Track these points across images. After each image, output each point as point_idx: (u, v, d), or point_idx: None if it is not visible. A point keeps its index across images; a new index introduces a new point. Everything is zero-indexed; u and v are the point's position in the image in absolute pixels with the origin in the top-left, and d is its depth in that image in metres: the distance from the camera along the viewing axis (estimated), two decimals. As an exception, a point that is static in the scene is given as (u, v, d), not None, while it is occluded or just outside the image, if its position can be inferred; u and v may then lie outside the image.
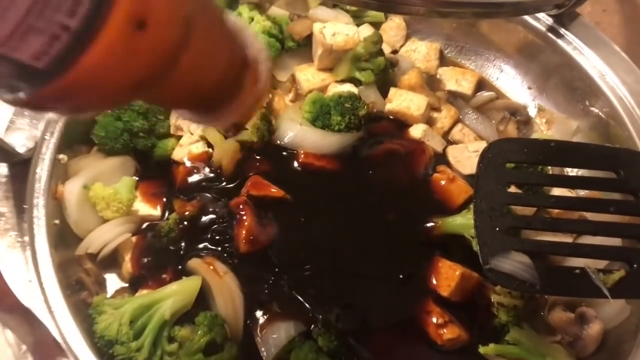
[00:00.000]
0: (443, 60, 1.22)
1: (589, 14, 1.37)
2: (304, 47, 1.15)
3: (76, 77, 0.33)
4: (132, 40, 0.34)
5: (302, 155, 1.01)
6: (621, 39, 1.32)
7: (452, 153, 1.07)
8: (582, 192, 0.99)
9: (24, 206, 0.86)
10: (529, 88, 1.18)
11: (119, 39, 0.33)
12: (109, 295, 0.91)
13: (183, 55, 0.40)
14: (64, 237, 0.91)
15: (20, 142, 0.88)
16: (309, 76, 1.13)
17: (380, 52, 1.10)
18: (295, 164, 1.01)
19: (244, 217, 0.91)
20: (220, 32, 0.49)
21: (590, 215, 0.92)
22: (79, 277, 0.89)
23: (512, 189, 0.92)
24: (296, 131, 1.01)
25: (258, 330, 0.86)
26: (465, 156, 1.06)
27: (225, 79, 0.51)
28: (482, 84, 1.20)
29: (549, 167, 0.96)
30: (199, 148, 1.01)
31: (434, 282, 0.92)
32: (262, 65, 0.54)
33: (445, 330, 0.88)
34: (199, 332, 0.83)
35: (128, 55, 0.35)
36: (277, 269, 0.91)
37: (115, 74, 0.36)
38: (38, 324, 0.72)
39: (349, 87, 1.10)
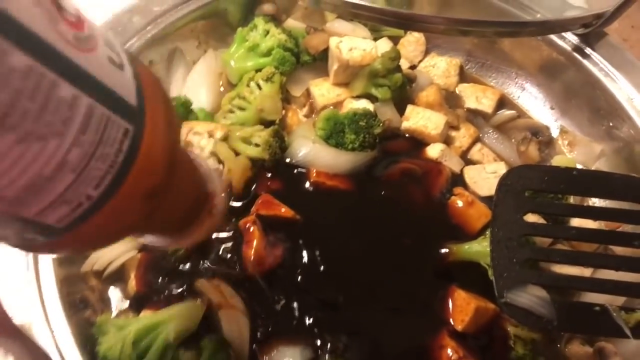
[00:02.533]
0: (463, 77, 1.19)
1: (616, 31, 1.33)
2: (319, 61, 1.13)
3: (85, 231, 0.40)
4: (133, 196, 0.42)
5: (314, 174, 0.98)
6: (650, 57, 1.28)
7: (469, 174, 1.04)
8: (605, 224, 0.95)
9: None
10: (552, 108, 1.14)
11: (125, 199, 0.41)
12: (113, 313, 0.89)
13: (166, 195, 0.47)
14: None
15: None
16: (324, 91, 1.11)
17: (398, 69, 1.07)
18: (307, 183, 0.98)
19: (252, 238, 0.88)
20: (191, 172, 0.58)
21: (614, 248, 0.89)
22: (83, 295, 0.87)
23: (532, 218, 0.88)
24: (308, 149, 0.99)
25: (264, 357, 0.83)
26: (483, 177, 1.03)
27: (191, 211, 0.60)
28: (503, 102, 1.17)
29: (571, 197, 0.92)
30: (210, 165, 0.99)
31: (449, 314, 0.88)
32: (219, 198, 0.63)
33: (460, 366, 0.84)
34: (204, 356, 0.81)
35: (128, 208, 0.42)
36: (285, 292, 0.88)
37: (116, 224, 0.43)
38: (37, 351, 0.71)
39: (364, 104, 1.08)
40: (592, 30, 1.01)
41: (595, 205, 0.97)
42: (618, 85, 1.00)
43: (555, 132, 1.12)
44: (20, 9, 0.30)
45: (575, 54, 1.04)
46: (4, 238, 0.40)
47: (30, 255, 0.82)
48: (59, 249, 0.43)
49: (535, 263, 0.83)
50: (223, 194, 0.64)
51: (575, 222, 0.93)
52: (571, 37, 1.05)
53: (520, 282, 0.76)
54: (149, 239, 0.62)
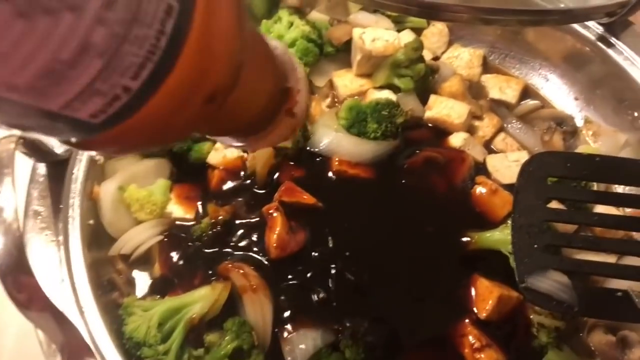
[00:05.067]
0: (486, 68, 1.19)
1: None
2: (342, 52, 1.14)
3: (129, 127, 0.34)
4: (185, 95, 0.35)
5: (336, 163, 0.99)
6: (677, 48, 1.26)
7: (491, 162, 1.04)
8: (629, 210, 0.94)
9: (60, 206, 0.87)
10: (576, 99, 1.13)
11: (173, 96, 0.34)
12: (139, 296, 0.91)
13: (231, 94, 0.40)
14: (97, 237, 0.91)
15: (58, 143, 0.89)
16: (346, 82, 1.12)
17: (421, 59, 1.08)
18: (329, 171, 0.99)
19: (275, 223, 0.90)
20: (266, 66, 0.49)
21: (636, 235, 0.88)
22: (110, 278, 0.90)
23: (554, 205, 0.88)
24: (331, 138, 1.00)
25: (285, 339, 0.84)
26: (505, 165, 1.03)
27: (266, 109, 0.52)
28: (526, 93, 1.16)
29: (594, 184, 0.92)
30: (234, 153, 1.00)
31: (472, 302, 0.89)
32: (301, 95, 0.54)
33: (482, 355, 0.84)
34: (227, 338, 0.83)
35: (180, 108, 0.36)
36: (307, 277, 0.89)
37: (166, 124, 0.37)
38: (68, 325, 0.73)
39: (387, 94, 1.08)
40: (617, 19, 1.00)
41: (619, 192, 0.96)
42: (644, 75, 0.99)
43: (579, 123, 1.12)
44: None
45: (600, 44, 1.04)
46: (46, 132, 0.35)
47: (62, 237, 0.85)
48: (104, 146, 0.37)
49: (557, 249, 0.83)
50: (304, 90, 0.55)
51: (599, 209, 0.93)
52: (595, 27, 1.04)
53: (541, 267, 0.76)
54: (226, 140, 0.56)
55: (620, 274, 0.77)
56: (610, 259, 0.89)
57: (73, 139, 0.36)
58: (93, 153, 0.81)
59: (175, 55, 0.33)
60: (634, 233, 0.88)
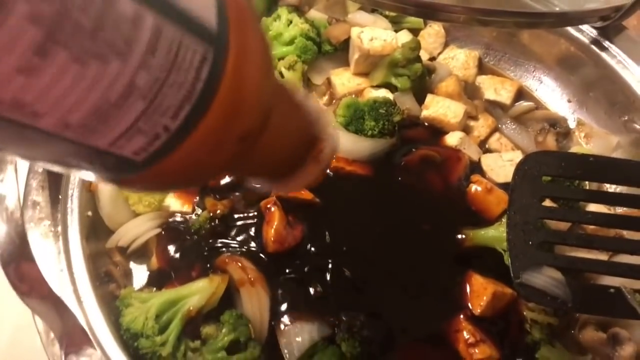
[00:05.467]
0: (482, 69, 1.21)
1: (634, 27, 1.33)
2: (341, 51, 1.15)
3: (168, 166, 0.37)
4: (219, 135, 0.38)
5: (334, 159, 1.00)
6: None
7: (486, 162, 1.05)
8: (620, 210, 0.96)
9: (59, 197, 0.87)
10: (569, 101, 1.15)
11: (208, 136, 0.37)
12: (136, 288, 0.92)
13: (262, 137, 0.44)
14: (95, 229, 0.92)
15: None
16: (344, 80, 1.13)
17: (418, 59, 1.09)
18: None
19: (273, 218, 0.91)
20: (293, 112, 0.52)
21: (627, 233, 0.90)
22: (108, 269, 0.90)
23: (548, 203, 0.90)
24: (329, 135, 1.01)
25: (282, 332, 0.85)
26: (499, 165, 1.05)
27: (295, 154, 0.54)
28: (521, 94, 1.18)
29: (587, 183, 0.94)
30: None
31: (467, 298, 0.90)
32: (327, 142, 0.56)
33: (476, 350, 0.85)
34: (224, 331, 0.83)
35: (214, 148, 0.39)
36: (304, 271, 0.90)
37: (200, 163, 0.40)
38: (67, 313, 0.74)
39: (384, 93, 1.10)
40: (611, 24, 1.02)
41: (611, 192, 0.97)
42: (636, 78, 1.01)
43: (572, 124, 1.14)
44: None
45: (594, 47, 1.06)
46: (90, 170, 0.38)
47: (60, 228, 0.85)
48: (145, 184, 0.40)
49: (551, 246, 0.84)
50: (331, 138, 0.57)
51: (592, 208, 0.95)
52: (589, 31, 1.06)
53: (536, 263, 0.77)
54: (256, 182, 0.59)
55: (613, 271, 0.79)
56: (603, 256, 0.91)
57: (116, 177, 0.39)
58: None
59: (210, 98, 0.36)
60: (625, 231, 0.89)
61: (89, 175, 0.39)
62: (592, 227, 0.92)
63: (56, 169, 0.37)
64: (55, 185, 0.87)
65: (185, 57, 0.33)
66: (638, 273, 0.77)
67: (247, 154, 0.44)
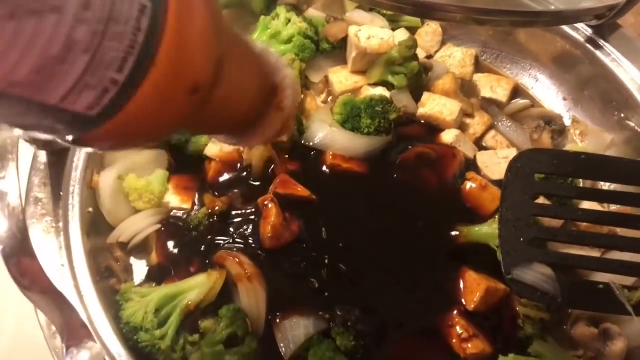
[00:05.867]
0: (478, 67, 1.22)
1: (632, 25, 1.34)
2: (338, 49, 1.17)
3: (120, 121, 0.38)
4: (168, 87, 0.39)
5: (330, 157, 1.02)
6: (665, 52, 1.29)
7: (481, 159, 1.07)
8: (613, 207, 0.97)
9: (60, 193, 0.89)
10: (564, 99, 1.16)
11: (158, 88, 0.38)
12: (136, 283, 0.93)
13: (216, 90, 0.44)
14: (96, 225, 0.94)
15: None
16: (341, 78, 1.15)
17: (414, 57, 1.10)
18: (323, 164, 1.02)
19: (270, 214, 0.92)
20: (250, 65, 0.53)
21: (620, 230, 0.91)
22: (108, 264, 0.92)
23: (540, 200, 0.91)
24: (325, 132, 1.02)
25: (278, 326, 0.87)
26: (494, 162, 1.06)
27: (255, 106, 0.55)
28: (517, 92, 1.19)
29: (580, 180, 0.95)
30: (231, 145, 1.03)
31: (460, 293, 0.92)
32: (288, 90, 0.58)
33: (469, 345, 0.87)
34: (221, 324, 0.85)
35: (165, 100, 0.40)
36: (300, 267, 0.92)
37: (155, 116, 0.41)
38: (68, 307, 0.75)
39: (381, 91, 1.11)
40: (605, 22, 1.03)
41: (603, 189, 0.99)
42: (630, 76, 1.02)
43: (567, 122, 1.15)
44: None
45: (588, 45, 1.07)
46: (47, 130, 0.39)
47: (61, 224, 0.87)
48: (102, 141, 0.41)
49: (543, 243, 0.86)
50: (291, 85, 0.58)
51: (586, 205, 0.96)
52: (584, 29, 1.07)
53: (527, 259, 0.79)
54: (220, 138, 0.60)
55: (603, 267, 0.80)
56: (595, 253, 0.92)
57: (71, 135, 0.40)
58: (90, 149, 0.83)
59: (154, 49, 0.37)
60: (617, 228, 0.91)
61: (54, 137, 0.40)
62: (585, 224, 0.94)
63: (21, 133, 0.39)
64: (56, 181, 0.89)
65: (122, 8, 0.34)
66: (628, 269, 0.79)
67: (204, 107, 0.44)
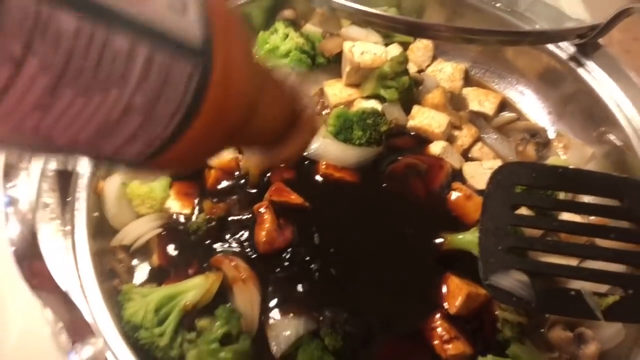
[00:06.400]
0: (468, 81, 1.27)
1: (619, 42, 1.39)
2: (333, 63, 1.22)
3: (163, 160, 0.44)
4: (209, 133, 0.45)
5: (323, 166, 1.07)
6: (651, 69, 1.34)
7: (467, 170, 1.12)
8: (592, 218, 1.02)
9: (68, 199, 0.94)
10: (549, 113, 1.22)
11: (200, 135, 0.43)
12: (138, 284, 0.99)
13: (247, 127, 0.51)
14: (101, 229, 0.99)
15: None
16: (336, 91, 1.20)
17: (405, 72, 1.16)
18: (317, 174, 1.08)
19: (265, 220, 0.98)
20: (280, 97, 0.61)
21: (599, 240, 0.96)
22: (112, 266, 0.98)
23: (524, 211, 0.96)
24: (319, 143, 1.08)
25: (271, 326, 0.92)
26: (480, 172, 1.11)
27: (283, 127, 0.63)
28: (504, 106, 1.24)
29: (561, 193, 1.00)
30: (230, 154, 1.08)
31: (443, 298, 0.97)
32: (309, 114, 0.66)
33: (450, 346, 0.92)
34: (217, 324, 0.90)
35: (205, 143, 0.46)
36: (292, 270, 0.97)
37: (194, 154, 0.46)
38: (73, 306, 0.81)
39: (373, 103, 1.16)
40: (588, 41, 1.09)
41: (581, 201, 1.03)
42: (609, 94, 1.07)
43: (551, 135, 1.20)
44: None
45: (571, 63, 1.12)
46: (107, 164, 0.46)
47: (69, 227, 0.92)
48: (149, 171, 0.47)
49: (521, 251, 0.90)
50: (311, 110, 0.67)
51: (566, 216, 1.01)
52: (568, 48, 1.13)
53: (504, 267, 0.83)
54: (254, 153, 0.68)
55: (575, 275, 0.85)
56: (574, 261, 0.97)
57: (125, 168, 0.46)
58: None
59: (198, 106, 0.41)
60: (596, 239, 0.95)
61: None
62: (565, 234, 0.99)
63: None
64: (64, 187, 0.95)
65: (174, 76, 0.38)
66: (598, 277, 0.83)
67: (238, 137, 0.51)
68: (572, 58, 1.12)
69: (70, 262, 0.89)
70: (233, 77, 0.44)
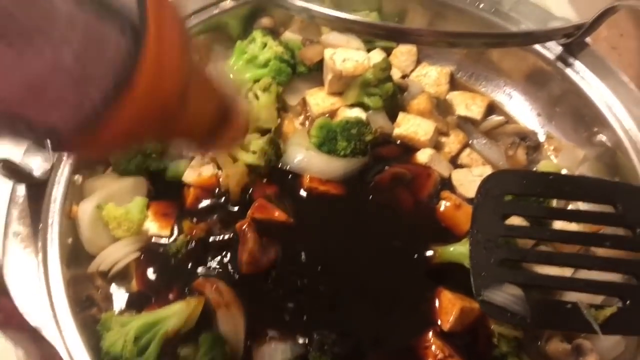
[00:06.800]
0: (454, 85, 1.23)
1: (605, 39, 1.37)
2: (315, 71, 1.18)
3: (103, 135, 0.44)
4: (145, 107, 0.45)
5: (308, 180, 1.03)
6: (638, 64, 1.31)
7: (456, 177, 1.08)
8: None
9: (39, 226, 0.90)
10: (538, 115, 1.18)
11: (133, 113, 0.44)
12: (117, 311, 0.95)
13: (184, 108, 0.51)
14: (76, 255, 0.95)
15: (37, 165, 0.92)
16: (319, 100, 1.16)
17: (389, 79, 1.12)
18: (301, 188, 1.04)
19: (247, 240, 0.94)
20: (211, 87, 0.62)
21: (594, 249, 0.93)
22: (89, 294, 0.94)
23: (518, 220, 0.92)
24: (302, 156, 1.04)
25: (257, 352, 0.88)
26: (469, 180, 1.07)
27: (215, 119, 0.63)
28: (492, 109, 1.21)
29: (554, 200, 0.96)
30: (209, 170, 1.04)
31: (436, 314, 0.93)
32: (240, 109, 0.68)
33: (445, 365, 0.89)
34: (201, 351, 0.86)
35: (143, 117, 0.45)
36: (278, 291, 0.93)
37: (132, 133, 0.46)
38: (46, 343, 0.77)
39: (357, 112, 1.13)
40: (574, 41, 1.05)
41: (572, 209, 1.00)
42: (598, 93, 1.03)
43: (542, 138, 1.17)
44: None
45: (559, 63, 1.08)
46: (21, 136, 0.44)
47: (40, 256, 0.88)
48: (83, 150, 0.48)
49: (516, 263, 0.87)
50: (241, 105, 0.68)
51: (559, 224, 0.97)
52: (555, 47, 1.09)
53: (497, 281, 0.80)
54: (183, 144, 0.71)
55: (570, 286, 0.82)
56: (568, 272, 0.93)
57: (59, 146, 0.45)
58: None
59: (131, 74, 0.42)
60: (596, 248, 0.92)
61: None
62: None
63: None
64: (35, 214, 0.91)
65: (105, 40, 0.39)
66: (594, 288, 0.81)
67: (172, 124, 0.51)
68: (559, 58, 1.09)
69: (43, 293, 0.85)
70: (166, 53, 0.45)
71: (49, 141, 0.43)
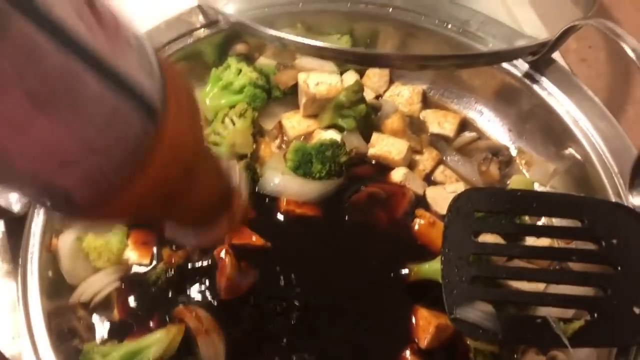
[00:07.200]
0: (427, 103, 1.26)
1: (575, 51, 1.40)
2: (290, 95, 1.20)
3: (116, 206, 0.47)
4: (156, 182, 0.48)
5: (284, 203, 1.05)
6: (607, 76, 1.34)
7: (430, 194, 1.11)
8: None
9: (19, 260, 0.91)
10: (509, 130, 1.21)
11: (147, 188, 0.47)
12: (99, 341, 0.96)
13: (189, 189, 0.54)
14: (57, 287, 0.96)
15: (15, 199, 0.94)
16: (294, 123, 1.18)
17: (362, 100, 1.14)
18: (278, 211, 1.06)
19: (225, 266, 0.96)
20: (217, 172, 0.65)
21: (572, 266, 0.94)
22: (71, 325, 0.95)
23: (491, 238, 0.94)
24: (278, 180, 1.06)
25: (238, 376, 0.90)
26: (443, 197, 1.09)
27: (216, 205, 0.67)
28: (464, 125, 1.23)
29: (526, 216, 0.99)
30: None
31: (413, 332, 0.95)
32: (242, 193, 0.70)
33: (423, 382, 0.90)
34: (182, 378, 0.88)
35: (152, 193, 0.48)
36: (257, 316, 0.95)
37: (139, 205, 0.49)
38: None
39: (332, 134, 1.15)
40: (540, 58, 1.08)
41: (540, 225, 1.03)
42: (565, 108, 1.06)
43: (514, 153, 1.19)
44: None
45: (526, 80, 1.11)
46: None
47: (20, 289, 0.89)
48: (89, 219, 0.49)
49: (491, 280, 0.89)
50: (243, 193, 0.70)
51: (530, 240, 1.00)
52: (522, 65, 1.12)
53: (469, 298, 0.82)
54: (172, 232, 0.71)
55: (540, 301, 0.84)
56: (541, 286, 0.95)
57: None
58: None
59: (149, 155, 0.45)
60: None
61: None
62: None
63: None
64: (14, 249, 0.92)
65: (131, 126, 0.42)
66: (562, 302, 0.83)
67: (174, 204, 0.53)
68: (527, 75, 1.11)
69: (23, 329, 0.86)
70: (182, 131, 0.48)
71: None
